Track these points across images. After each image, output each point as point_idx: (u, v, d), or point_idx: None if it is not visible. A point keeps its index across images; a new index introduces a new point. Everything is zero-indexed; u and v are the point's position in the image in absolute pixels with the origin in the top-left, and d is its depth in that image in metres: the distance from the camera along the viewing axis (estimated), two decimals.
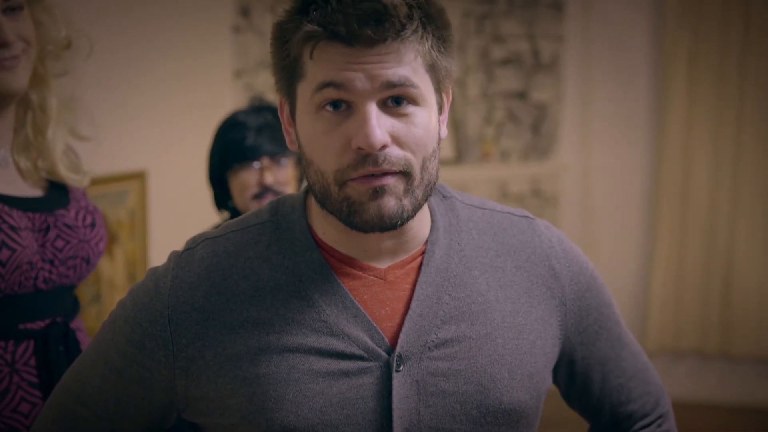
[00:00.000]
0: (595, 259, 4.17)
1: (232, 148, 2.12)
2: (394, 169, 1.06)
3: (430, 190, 1.12)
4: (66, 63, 1.64)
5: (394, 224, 1.08)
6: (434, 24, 1.09)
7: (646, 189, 4.51)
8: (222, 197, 2.20)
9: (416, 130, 1.08)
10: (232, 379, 1.11)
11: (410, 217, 1.10)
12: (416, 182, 1.09)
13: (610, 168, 4.55)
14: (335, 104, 1.06)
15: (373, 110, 1.05)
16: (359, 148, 1.05)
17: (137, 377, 1.15)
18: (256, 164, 2.10)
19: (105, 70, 2.68)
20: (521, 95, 4.53)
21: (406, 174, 1.07)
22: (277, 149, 2.11)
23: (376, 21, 1.03)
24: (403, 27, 1.05)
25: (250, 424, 1.10)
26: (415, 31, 1.06)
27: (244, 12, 3.75)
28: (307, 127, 1.09)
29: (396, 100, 1.07)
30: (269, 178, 2.11)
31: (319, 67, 1.06)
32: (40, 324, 1.58)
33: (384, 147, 1.05)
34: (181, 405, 1.16)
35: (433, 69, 1.10)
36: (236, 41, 3.73)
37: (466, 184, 4.25)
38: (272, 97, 3.87)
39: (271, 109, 2.19)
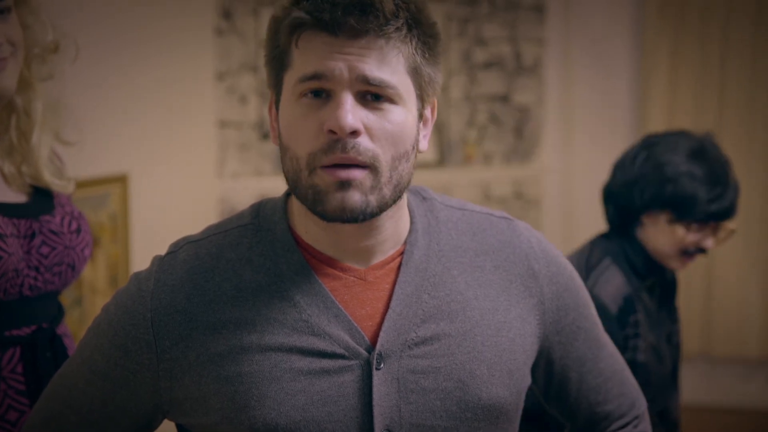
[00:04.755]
0: None
1: (699, 202, 1.94)
2: (361, 159, 1.07)
3: (400, 192, 1.13)
4: (52, 67, 1.63)
5: (355, 218, 1.09)
6: (421, 29, 1.11)
7: None
8: (619, 217, 2.07)
9: (389, 125, 1.09)
10: (215, 378, 1.12)
11: (374, 213, 1.10)
12: (384, 179, 1.09)
13: (591, 170, 4.57)
14: (316, 92, 1.08)
15: (348, 97, 1.07)
16: (330, 131, 1.06)
17: (122, 380, 1.16)
18: (711, 224, 1.97)
19: (86, 73, 2.66)
20: (503, 98, 4.54)
21: (373, 169, 1.08)
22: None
23: (361, 11, 1.06)
24: (387, 22, 1.07)
25: (233, 422, 1.12)
26: (398, 30, 1.08)
27: (227, 15, 3.74)
28: (287, 113, 1.11)
29: (374, 96, 1.08)
30: (710, 243, 2.00)
31: (304, 56, 1.08)
32: (26, 330, 1.57)
33: (355, 134, 1.07)
34: (167, 407, 1.17)
35: (415, 73, 1.11)
36: (218, 44, 3.72)
37: (449, 187, 4.26)
38: (256, 101, 3.86)
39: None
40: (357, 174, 1.07)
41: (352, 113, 1.06)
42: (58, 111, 1.68)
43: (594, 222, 4.57)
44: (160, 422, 1.22)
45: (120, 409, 1.18)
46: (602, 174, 4.49)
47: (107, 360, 1.17)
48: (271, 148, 3.92)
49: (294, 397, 1.10)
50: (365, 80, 1.07)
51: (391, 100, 1.09)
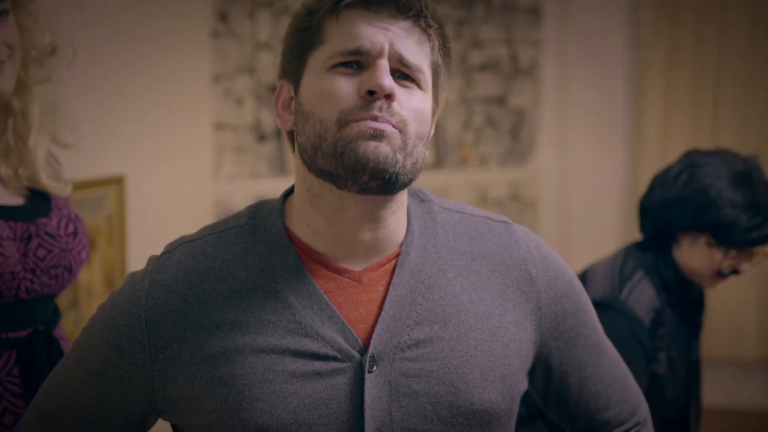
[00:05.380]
0: (574, 263, 4.19)
1: (739, 229, 1.93)
2: (394, 120, 1.09)
3: (415, 174, 1.13)
4: (49, 69, 1.63)
5: (385, 168, 1.08)
6: (442, 32, 1.16)
7: (624, 193, 4.54)
8: (655, 232, 2.06)
9: (415, 102, 1.12)
10: (208, 379, 1.12)
11: (397, 176, 1.10)
12: (409, 147, 1.11)
13: (588, 172, 4.58)
14: (347, 64, 1.11)
15: (386, 64, 1.10)
16: (369, 92, 1.08)
17: (116, 380, 1.16)
18: (748, 249, 1.97)
19: (82, 75, 2.66)
20: (500, 100, 4.54)
21: (402, 132, 1.10)
22: None
23: None
24: (426, 8, 1.12)
25: (225, 424, 1.12)
26: (434, 21, 1.13)
27: (223, 17, 3.73)
28: (316, 84, 1.12)
29: (403, 75, 1.12)
30: (746, 267, 2.00)
31: (344, 31, 1.11)
32: (22, 333, 1.57)
33: (390, 97, 1.09)
34: (160, 406, 1.17)
35: (435, 69, 1.16)
36: (214, 46, 3.71)
37: (445, 189, 4.26)
38: (252, 103, 3.85)
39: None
40: (389, 128, 1.09)
41: (389, 78, 1.09)
42: (55, 113, 1.67)
43: (590, 224, 4.59)
44: (155, 422, 1.22)
45: (114, 408, 1.18)
46: (599, 176, 4.54)
47: (102, 359, 1.17)
48: (267, 150, 3.91)
49: (286, 400, 1.11)
50: (401, 60, 1.11)
51: (418, 85, 1.13)
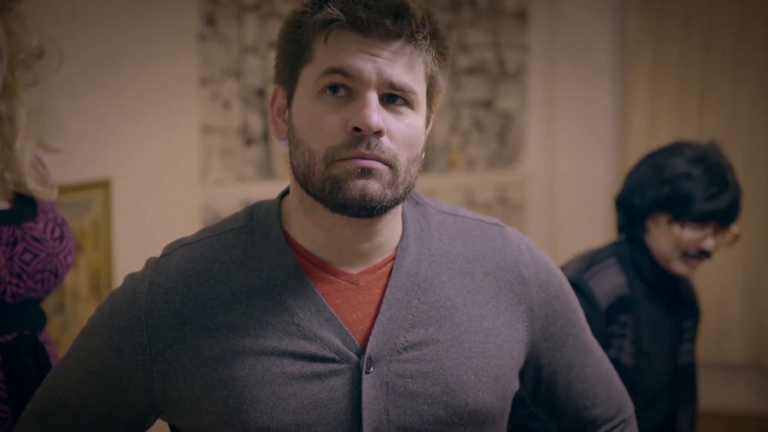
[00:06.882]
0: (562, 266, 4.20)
1: (695, 200, 1.98)
2: (383, 156, 1.09)
3: (407, 192, 1.15)
4: (36, 73, 1.62)
5: (373, 207, 1.10)
6: (438, 39, 1.14)
7: (611, 195, 4.54)
8: (627, 223, 2.11)
9: (406, 129, 1.11)
10: (208, 381, 1.13)
11: (387, 209, 1.12)
12: (400, 178, 1.11)
13: (575, 175, 4.59)
14: (334, 89, 1.10)
15: (374, 97, 1.09)
16: (355, 129, 1.08)
17: (116, 381, 1.17)
18: (711, 225, 2.00)
19: (69, 79, 2.65)
20: (487, 104, 4.55)
21: (392, 167, 1.10)
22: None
23: (395, 15, 1.08)
24: (418, 29, 1.10)
25: (225, 425, 1.13)
26: (425, 38, 1.11)
27: (210, 20, 3.73)
28: (306, 108, 1.12)
29: (392, 97, 1.10)
30: (710, 245, 2.03)
31: (331, 52, 1.09)
32: (7, 338, 1.56)
33: (379, 133, 1.08)
34: (160, 407, 1.18)
35: (430, 81, 1.15)
36: (201, 50, 3.70)
37: (433, 192, 4.26)
38: (240, 107, 3.85)
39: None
40: (378, 165, 1.09)
41: (377, 113, 1.08)
42: (41, 118, 1.66)
43: (577, 227, 4.61)
44: (153, 422, 1.22)
45: (113, 409, 1.18)
46: (586, 178, 4.55)
47: (101, 360, 1.18)
48: (254, 154, 3.91)
49: (285, 401, 1.11)
50: (391, 85, 1.09)
51: (410, 105, 1.12)
